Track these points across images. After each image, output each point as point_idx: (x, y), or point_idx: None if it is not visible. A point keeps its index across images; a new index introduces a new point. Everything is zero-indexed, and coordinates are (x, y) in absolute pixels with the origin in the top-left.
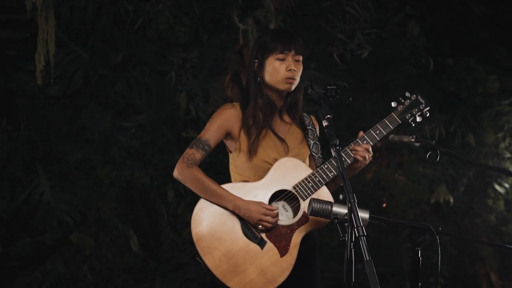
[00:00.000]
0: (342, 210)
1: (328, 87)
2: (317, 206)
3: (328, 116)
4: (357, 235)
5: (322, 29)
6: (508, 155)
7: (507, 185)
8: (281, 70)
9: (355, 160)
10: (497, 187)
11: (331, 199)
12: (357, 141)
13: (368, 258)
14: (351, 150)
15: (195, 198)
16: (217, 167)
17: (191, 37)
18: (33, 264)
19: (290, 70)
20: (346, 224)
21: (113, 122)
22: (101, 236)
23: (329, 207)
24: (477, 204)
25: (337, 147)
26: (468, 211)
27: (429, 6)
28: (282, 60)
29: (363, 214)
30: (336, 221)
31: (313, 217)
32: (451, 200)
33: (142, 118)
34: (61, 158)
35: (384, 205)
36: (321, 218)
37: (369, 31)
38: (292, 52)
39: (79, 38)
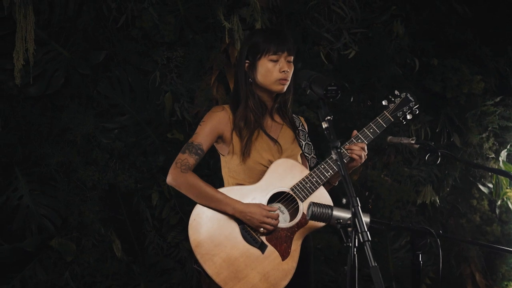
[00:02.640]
0: (342, 214)
1: (329, 87)
2: (317, 210)
3: (328, 117)
4: (361, 240)
5: (308, 28)
6: (492, 155)
7: (491, 185)
8: (275, 72)
9: (351, 160)
10: (481, 187)
11: (329, 199)
12: (352, 140)
13: (373, 264)
14: (346, 150)
15: (180, 201)
16: (202, 169)
17: (175, 36)
18: (12, 271)
19: (283, 71)
20: (350, 229)
21: (95, 123)
22: (83, 241)
23: (329, 211)
24: (461, 204)
25: (339, 149)
26: (453, 211)
27: (413, 7)
28: (275, 61)
29: (364, 218)
30: (339, 226)
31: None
32: (437, 200)
33: (126, 119)
34: (41, 160)
35: (370, 206)
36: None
37: (355, 30)
38: (285, 53)
39: (59, 36)
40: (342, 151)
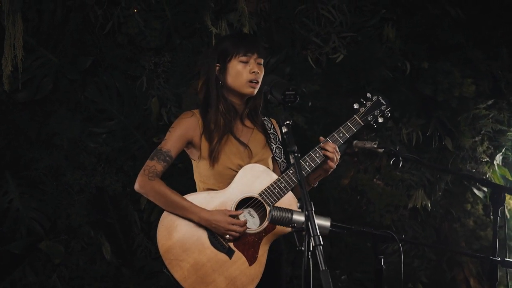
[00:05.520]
0: (302, 218)
1: (287, 92)
2: (277, 214)
3: (287, 122)
4: (313, 244)
5: (297, 33)
6: (485, 159)
7: (485, 189)
8: (245, 73)
9: (325, 161)
10: (476, 191)
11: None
12: (310, 154)
13: (324, 268)
14: (320, 149)
15: None
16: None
17: (162, 41)
18: (1, 273)
19: (253, 72)
20: (304, 233)
21: (83, 128)
22: (72, 243)
23: (289, 215)
24: (455, 209)
25: (295, 154)
26: (446, 216)
27: (404, 10)
28: (245, 63)
29: (324, 222)
30: (293, 229)
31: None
32: (429, 205)
33: (114, 124)
34: (30, 164)
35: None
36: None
37: (344, 34)
38: (255, 55)
39: (48, 43)
40: (299, 155)
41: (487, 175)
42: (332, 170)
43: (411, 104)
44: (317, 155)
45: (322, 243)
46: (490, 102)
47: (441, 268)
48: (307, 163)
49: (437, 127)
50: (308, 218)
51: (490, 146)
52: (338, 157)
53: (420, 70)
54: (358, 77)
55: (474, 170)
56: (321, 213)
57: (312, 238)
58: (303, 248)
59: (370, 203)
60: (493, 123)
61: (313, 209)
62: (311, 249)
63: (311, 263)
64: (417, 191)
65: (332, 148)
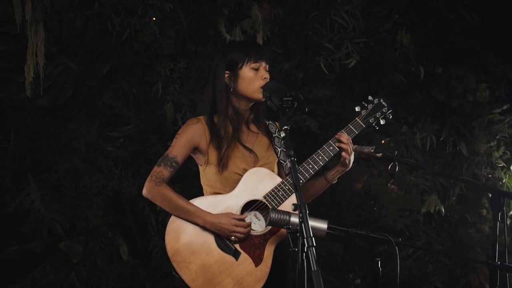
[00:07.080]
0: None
1: (284, 98)
2: (275, 216)
3: (286, 127)
4: (306, 245)
5: (310, 39)
6: (501, 164)
7: None
8: (257, 80)
9: (340, 155)
10: None
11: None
12: (323, 148)
13: (315, 269)
14: (334, 142)
15: None
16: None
17: (177, 48)
18: (23, 271)
19: (264, 78)
20: (298, 234)
21: (100, 133)
22: (90, 244)
23: (287, 217)
24: (470, 214)
25: (292, 158)
26: (461, 221)
27: (418, 15)
28: (256, 70)
29: (321, 225)
30: (288, 231)
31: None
32: (443, 210)
33: (130, 128)
34: (51, 167)
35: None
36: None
37: (357, 40)
38: (264, 62)
39: (68, 51)
40: (296, 160)
41: (503, 181)
42: (349, 164)
43: (425, 109)
44: (330, 148)
45: (314, 244)
46: (505, 107)
47: (455, 274)
48: (320, 157)
49: (451, 132)
50: (302, 220)
51: (506, 152)
52: (352, 149)
53: (434, 75)
54: (371, 83)
55: (490, 176)
56: (334, 218)
57: (305, 240)
58: (296, 249)
59: (383, 207)
60: (509, 128)
61: (307, 211)
62: (305, 250)
63: (305, 264)
64: (431, 196)
65: (346, 140)
